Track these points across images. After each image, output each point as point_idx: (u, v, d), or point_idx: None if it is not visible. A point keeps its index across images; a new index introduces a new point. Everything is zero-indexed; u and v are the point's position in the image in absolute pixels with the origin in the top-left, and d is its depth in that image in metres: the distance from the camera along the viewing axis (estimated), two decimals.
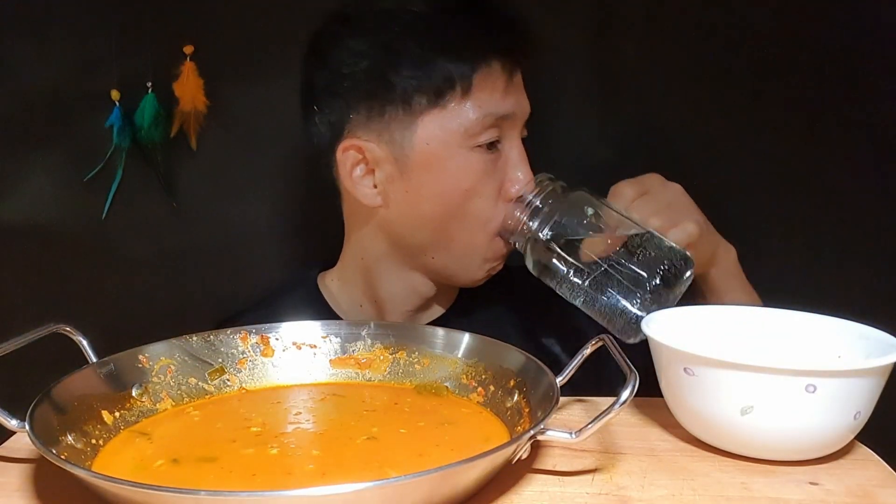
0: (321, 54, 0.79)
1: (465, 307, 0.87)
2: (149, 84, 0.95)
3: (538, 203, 0.73)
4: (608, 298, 0.68)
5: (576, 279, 0.70)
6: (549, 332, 0.86)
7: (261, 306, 0.87)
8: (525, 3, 0.82)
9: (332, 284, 0.88)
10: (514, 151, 0.77)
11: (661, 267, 0.66)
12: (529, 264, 0.74)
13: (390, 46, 0.75)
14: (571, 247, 0.70)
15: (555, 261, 0.71)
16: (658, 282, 0.66)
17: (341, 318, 0.85)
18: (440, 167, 0.75)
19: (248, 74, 0.98)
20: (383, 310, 0.85)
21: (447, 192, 0.76)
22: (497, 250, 0.79)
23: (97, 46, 0.94)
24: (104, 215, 0.97)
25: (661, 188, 0.74)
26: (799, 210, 1.00)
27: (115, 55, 0.94)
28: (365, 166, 0.77)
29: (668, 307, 0.64)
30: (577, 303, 0.70)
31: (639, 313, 0.66)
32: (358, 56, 0.76)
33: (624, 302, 0.67)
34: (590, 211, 0.71)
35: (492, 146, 0.76)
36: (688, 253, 0.68)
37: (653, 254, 0.67)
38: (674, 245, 0.68)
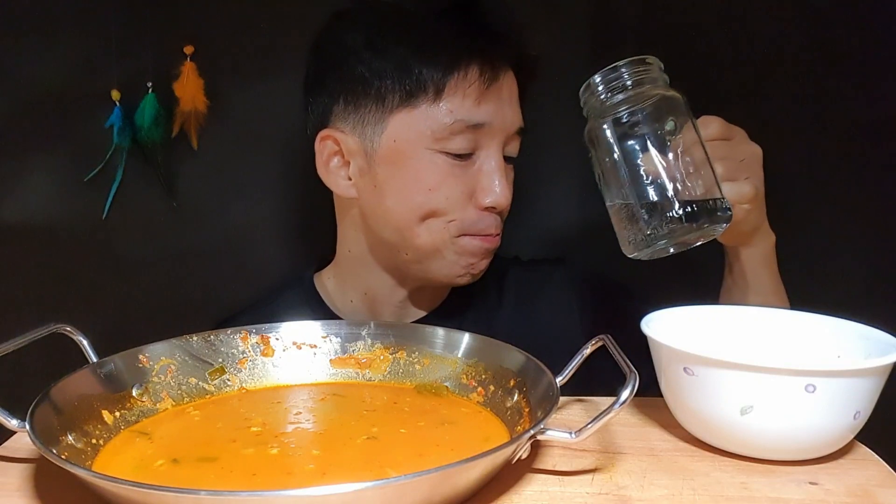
0: (317, 45, 0.81)
1: (455, 304, 0.87)
2: (149, 84, 0.95)
3: (629, 81, 0.63)
4: (634, 200, 0.62)
5: (616, 170, 0.63)
6: (540, 330, 0.86)
7: (258, 306, 0.88)
8: (520, 6, 0.82)
9: (328, 282, 0.88)
10: (490, 162, 0.76)
11: (700, 202, 0.61)
12: (586, 130, 0.65)
13: (372, 44, 0.76)
14: (631, 138, 0.63)
15: (609, 139, 0.63)
16: (688, 210, 0.60)
17: (337, 316, 0.86)
18: (404, 165, 0.76)
19: (248, 74, 0.98)
20: (374, 304, 0.85)
21: (408, 189, 0.76)
22: (468, 247, 0.78)
23: (97, 46, 0.94)
24: (104, 215, 0.97)
25: (743, 142, 0.70)
26: (799, 210, 1.00)
27: (115, 55, 0.94)
28: (341, 158, 0.79)
29: (675, 247, 0.61)
30: (603, 188, 0.65)
31: (650, 232, 0.61)
32: (343, 50, 0.77)
33: (644, 213, 0.61)
34: (669, 125, 0.64)
35: (462, 156, 0.75)
36: (731, 209, 0.63)
37: (699, 188, 0.62)
38: (723, 197, 0.63)
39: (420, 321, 0.86)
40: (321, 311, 0.86)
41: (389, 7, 0.79)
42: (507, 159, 0.79)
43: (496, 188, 0.76)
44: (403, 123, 0.75)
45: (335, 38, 0.79)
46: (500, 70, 0.76)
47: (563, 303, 0.88)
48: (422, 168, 0.75)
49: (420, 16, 0.77)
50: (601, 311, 0.84)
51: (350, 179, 0.79)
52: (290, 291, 0.89)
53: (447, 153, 0.75)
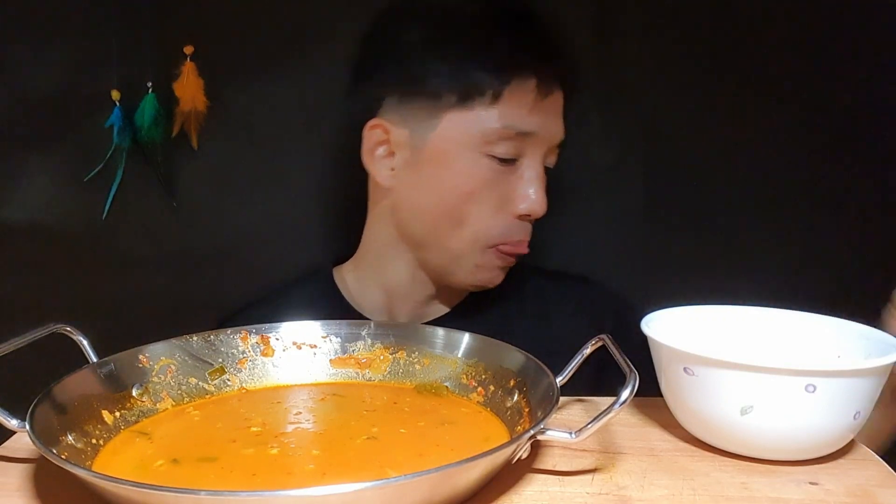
0: (374, 36, 0.82)
1: (472, 306, 0.87)
2: (149, 84, 0.95)
3: None
4: None
5: None
6: (556, 346, 0.85)
7: (276, 296, 0.89)
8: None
9: (348, 275, 0.89)
10: (530, 171, 0.78)
11: None
12: None
13: (434, 43, 0.78)
14: None
15: None
16: None
17: (354, 309, 0.86)
18: (447, 164, 0.77)
19: (248, 74, 0.98)
20: (392, 299, 0.86)
21: (447, 189, 0.77)
22: (490, 261, 0.80)
23: (97, 46, 0.94)
24: (104, 215, 0.97)
25: None
26: (799, 210, 1.00)
27: (115, 55, 0.94)
28: (387, 147, 0.80)
29: None
30: None
31: None
32: (401, 44, 0.79)
33: None
34: None
35: (506, 161, 0.77)
36: None
37: None
38: None
39: (434, 322, 0.86)
40: (339, 304, 0.86)
41: (448, 6, 0.80)
42: (544, 170, 0.81)
43: (533, 195, 0.78)
44: (455, 123, 0.76)
45: (393, 32, 0.81)
46: (554, 84, 0.78)
47: (583, 322, 0.87)
48: (465, 169, 0.77)
49: (480, 19, 0.79)
50: (620, 336, 0.81)
51: (392, 170, 0.80)
52: (308, 284, 0.90)
53: (492, 156, 0.76)
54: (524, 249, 0.81)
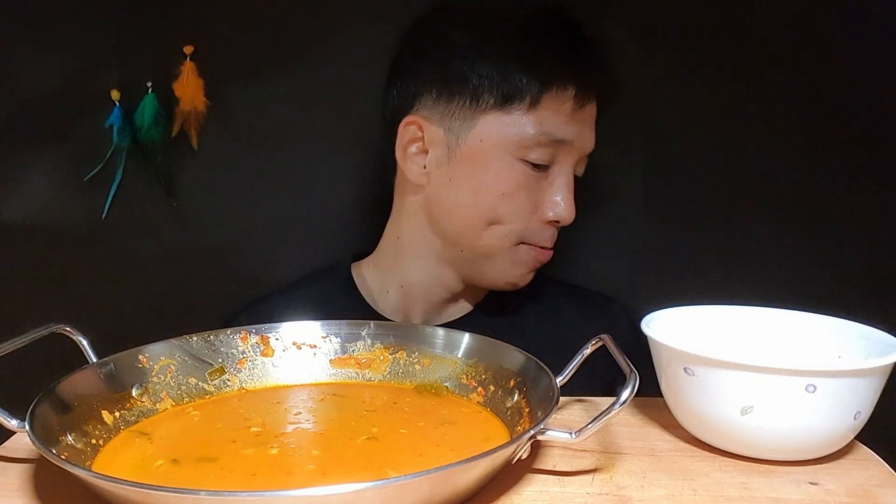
0: (415, 34, 0.83)
1: (484, 316, 0.88)
2: (149, 84, 0.95)
3: None
4: None
5: None
6: (573, 345, 0.84)
7: (293, 289, 0.90)
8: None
9: (366, 271, 0.89)
10: (561, 178, 0.79)
11: None
12: None
13: (475, 43, 0.78)
14: None
15: None
16: None
17: (369, 306, 0.87)
18: (484, 165, 0.78)
19: (248, 74, 0.98)
20: (408, 298, 0.86)
21: (483, 189, 0.78)
22: (524, 257, 0.80)
23: (97, 46, 0.93)
24: (104, 215, 0.97)
25: None
26: (799, 209, 1.00)
27: (115, 55, 0.94)
28: (421, 145, 0.81)
29: None
30: None
31: None
32: (443, 44, 0.80)
33: None
34: None
35: (539, 167, 0.78)
36: None
37: None
38: None
39: (455, 323, 0.87)
40: (355, 300, 0.87)
41: (493, 8, 0.81)
42: (574, 178, 0.82)
43: (562, 202, 0.79)
44: (493, 125, 0.77)
45: (435, 31, 0.82)
46: (592, 94, 0.79)
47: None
48: (500, 171, 0.77)
49: (524, 24, 0.80)
50: (633, 355, 0.78)
51: (424, 168, 0.81)
52: (326, 279, 0.91)
53: (527, 161, 0.77)
54: (548, 256, 0.82)
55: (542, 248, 0.81)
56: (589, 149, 0.82)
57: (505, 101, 0.76)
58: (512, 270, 0.81)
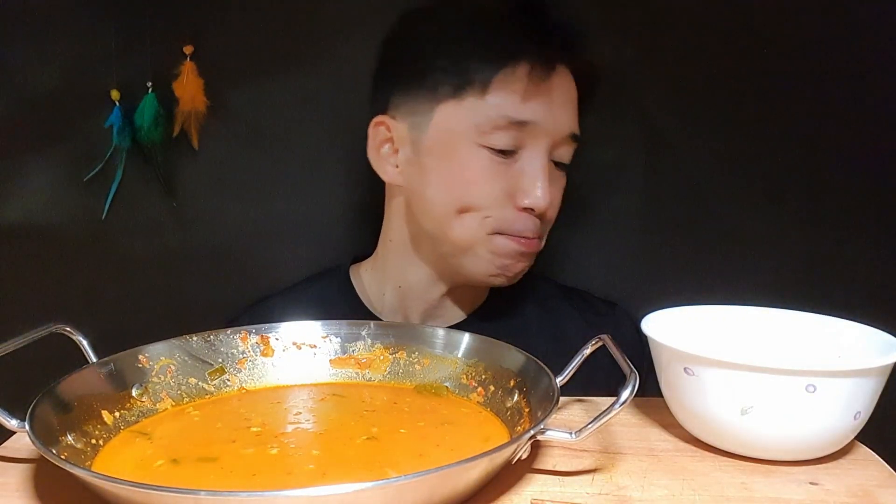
0: (389, 37, 0.84)
1: (483, 320, 0.87)
2: (149, 84, 0.95)
3: None
4: None
5: None
6: (575, 349, 0.84)
7: (291, 291, 0.91)
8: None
9: (364, 274, 0.89)
10: (533, 163, 0.76)
11: None
12: None
13: (436, 39, 0.79)
14: None
15: None
16: None
17: (367, 308, 0.86)
18: (448, 155, 0.77)
19: (248, 74, 0.98)
20: (406, 300, 0.86)
21: (449, 179, 0.77)
22: (503, 248, 0.78)
23: (97, 46, 0.93)
24: (104, 215, 0.97)
25: None
26: (799, 210, 1.00)
27: (115, 55, 0.94)
28: (391, 145, 0.81)
29: None
30: None
31: None
32: (407, 44, 0.81)
33: None
34: None
35: (505, 152, 0.76)
36: None
37: None
38: None
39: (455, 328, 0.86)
40: (353, 302, 0.87)
41: (457, 7, 0.81)
42: (557, 165, 0.80)
43: (537, 190, 0.76)
44: (450, 115, 0.77)
45: (401, 34, 0.82)
46: (551, 70, 0.76)
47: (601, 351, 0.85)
48: (464, 160, 0.76)
49: (484, 15, 0.79)
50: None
51: (397, 167, 0.81)
52: (325, 280, 0.91)
53: (490, 148, 0.76)
54: (532, 246, 0.79)
55: (523, 238, 0.78)
56: (564, 131, 0.78)
57: (457, 88, 0.76)
58: (493, 262, 0.78)
